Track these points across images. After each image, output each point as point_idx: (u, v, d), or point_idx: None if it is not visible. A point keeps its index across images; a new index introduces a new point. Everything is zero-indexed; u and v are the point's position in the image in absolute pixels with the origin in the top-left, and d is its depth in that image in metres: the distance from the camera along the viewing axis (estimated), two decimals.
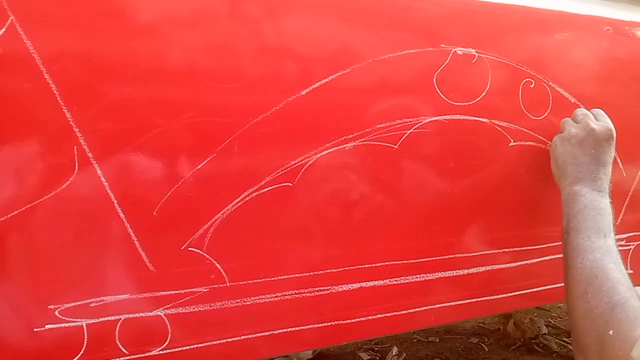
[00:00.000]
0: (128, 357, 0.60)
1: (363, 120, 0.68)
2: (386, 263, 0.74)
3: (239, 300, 0.65)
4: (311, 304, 0.69)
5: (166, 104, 0.59)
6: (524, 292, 0.87)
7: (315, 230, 0.68)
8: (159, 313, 0.61)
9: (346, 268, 0.71)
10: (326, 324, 0.71)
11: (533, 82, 0.78)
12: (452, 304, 0.80)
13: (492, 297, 0.83)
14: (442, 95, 0.72)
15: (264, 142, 0.63)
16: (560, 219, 0.86)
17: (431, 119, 0.72)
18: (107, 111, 0.56)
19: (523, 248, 0.85)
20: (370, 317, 0.74)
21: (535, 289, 0.88)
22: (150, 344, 0.61)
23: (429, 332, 2.14)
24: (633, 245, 0.96)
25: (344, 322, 0.72)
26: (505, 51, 0.75)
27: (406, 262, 0.75)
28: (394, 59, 0.69)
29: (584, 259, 0.68)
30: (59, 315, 0.57)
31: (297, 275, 0.68)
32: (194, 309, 0.63)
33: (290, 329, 0.68)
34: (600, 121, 0.77)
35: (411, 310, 0.76)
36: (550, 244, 0.88)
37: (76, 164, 0.55)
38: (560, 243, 0.88)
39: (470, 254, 0.80)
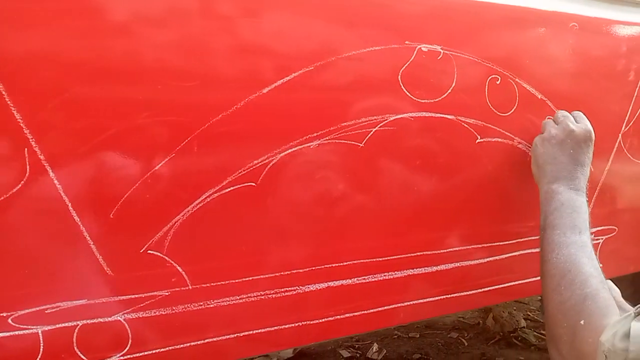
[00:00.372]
0: None
1: (327, 119, 0.67)
2: (354, 262, 0.73)
3: (202, 303, 0.64)
4: (277, 305, 0.68)
5: (121, 103, 0.57)
6: (496, 287, 0.87)
7: (281, 230, 0.67)
8: (119, 318, 0.60)
9: (313, 268, 0.70)
10: (293, 325, 0.70)
11: (499, 78, 0.78)
12: (422, 301, 0.80)
13: (464, 293, 0.84)
14: (408, 93, 0.71)
15: (224, 142, 0.62)
16: (532, 214, 0.87)
17: (397, 117, 0.71)
18: (59, 112, 0.54)
19: (493, 244, 0.85)
20: (338, 317, 0.73)
21: (507, 284, 0.89)
22: (110, 349, 0.60)
23: (410, 327, 2.15)
24: (602, 239, 0.97)
25: (311, 322, 0.71)
26: (471, 48, 0.75)
27: (374, 260, 0.75)
28: (357, 57, 0.68)
29: (558, 254, 0.70)
30: (12, 323, 0.55)
31: (262, 276, 0.67)
32: (155, 313, 0.62)
33: (255, 331, 0.67)
34: (579, 123, 0.79)
35: (381, 309, 0.76)
36: (520, 239, 0.88)
37: (27, 167, 0.54)
38: (531, 238, 0.89)
39: (440, 251, 0.80)
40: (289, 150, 0.65)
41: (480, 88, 0.77)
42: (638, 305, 0.55)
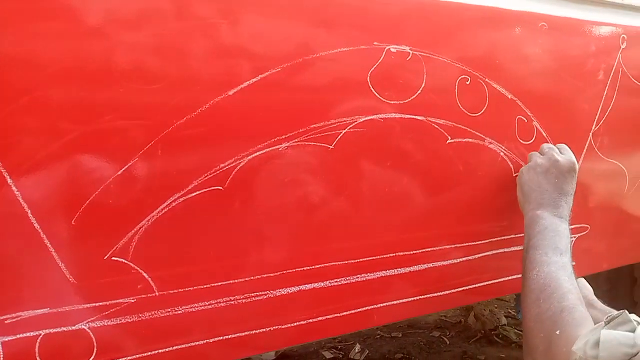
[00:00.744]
0: None
1: (296, 121, 0.67)
2: (327, 265, 0.73)
3: (169, 310, 0.62)
4: (249, 310, 0.67)
5: (83, 106, 0.56)
6: (473, 286, 0.87)
7: (249, 235, 0.66)
8: (83, 327, 0.59)
9: (285, 272, 0.70)
10: (267, 329, 0.69)
11: (469, 79, 0.78)
12: (399, 302, 0.79)
13: (441, 294, 0.84)
14: (377, 94, 0.71)
15: (190, 145, 0.61)
16: (505, 214, 0.88)
17: (367, 118, 0.71)
18: (17, 115, 0.53)
19: (468, 244, 0.85)
20: (312, 320, 0.73)
21: (484, 283, 0.89)
22: (74, 359, 0.58)
23: (392, 327, 2.15)
24: (575, 237, 0.98)
25: (284, 326, 0.71)
26: (440, 49, 0.75)
27: (348, 262, 0.74)
28: (326, 58, 0.67)
29: (539, 272, 0.72)
30: None
31: (232, 281, 0.66)
32: (121, 320, 0.60)
33: (228, 336, 0.66)
34: (564, 154, 0.83)
35: (357, 311, 0.76)
36: (494, 239, 0.88)
37: None
38: (504, 237, 0.89)
39: (414, 252, 0.80)
40: (257, 153, 0.65)
41: (450, 89, 0.77)
42: (608, 315, 0.56)
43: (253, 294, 0.67)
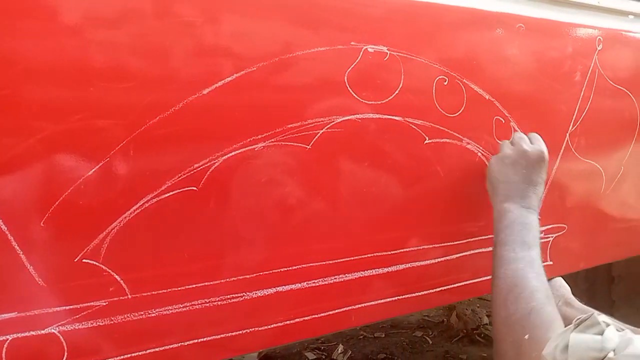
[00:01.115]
0: None
1: (272, 120, 0.66)
2: (305, 265, 0.72)
3: (143, 313, 0.61)
4: (224, 312, 0.67)
5: (52, 105, 0.54)
6: (452, 286, 0.87)
7: (224, 236, 0.65)
8: (53, 330, 0.57)
9: (260, 273, 0.69)
10: (243, 331, 0.69)
11: (447, 79, 0.78)
12: (377, 302, 0.79)
13: (420, 293, 0.84)
14: (354, 94, 0.71)
15: (162, 145, 0.60)
16: (483, 214, 0.88)
17: (344, 118, 0.71)
18: None
19: (446, 244, 0.85)
20: (289, 322, 0.72)
21: (463, 283, 0.89)
22: None
23: (375, 327, 2.16)
24: (552, 237, 0.99)
25: (261, 328, 0.70)
26: (418, 49, 0.75)
27: (325, 263, 0.74)
28: (303, 57, 0.67)
29: (507, 269, 0.71)
30: None
31: (206, 284, 0.65)
32: (92, 324, 0.59)
33: (202, 339, 0.66)
34: (534, 144, 0.81)
35: (332, 312, 0.75)
36: (472, 239, 0.89)
37: None
38: (483, 237, 0.89)
39: (393, 252, 0.80)
40: (232, 153, 0.64)
41: (428, 89, 0.77)
42: (578, 317, 0.56)
43: (229, 296, 0.67)
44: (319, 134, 0.69)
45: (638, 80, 1.05)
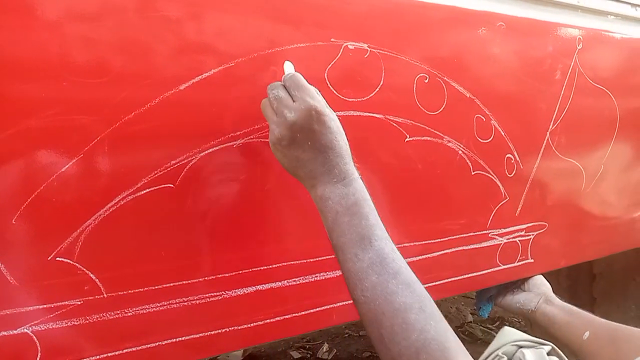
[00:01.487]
0: None
1: (251, 117, 0.66)
2: (283, 264, 0.72)
3: (119, 312, 0.60)
4: (202, 310, 0.66)
5: (23, 100, 0.53)
6: (432, 284, 0.87)
7: (202, 234, 0.64)
8: (25, 330, 0.56)
9: (240, 272, 0.68)
10: (222, 330, 0.68)
11: (428, 77, 0.78)
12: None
13: None
14: (335, 91, 0.70)
15: (138, 141, 0.59)
16: (463, 212, 0.88)
17: None
18: None
19: (426, 242, 0.85)
20: (269, 320, 0.72)
21: (443, 281, 0.89)
22: None
23: (360, 326, 2.15)
24: (533, 234, 0.99)
25: (240, 327, 0.69)
26: (398, 47, 0.75)
27: (303, 261, 0.73)
28: (281, 53, 0.66)
29: (363, 290, 0.56)
30: None
31: (184, 282, 0.64)
32: (66, 323, 0.58)
33: (180, 339, 0.65)
34: (297, 102, 0.60)
35: (312, 311, 0.75)
36: (452, 237, 0.89)
37: None
38: (463, 235, 0.90)
39: None
40: (210, 150, 0.63)
41: (409, 87, 0.77)
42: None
43: (207, 295, 0.66)
44: None
45: (617, 79, 1.07)
